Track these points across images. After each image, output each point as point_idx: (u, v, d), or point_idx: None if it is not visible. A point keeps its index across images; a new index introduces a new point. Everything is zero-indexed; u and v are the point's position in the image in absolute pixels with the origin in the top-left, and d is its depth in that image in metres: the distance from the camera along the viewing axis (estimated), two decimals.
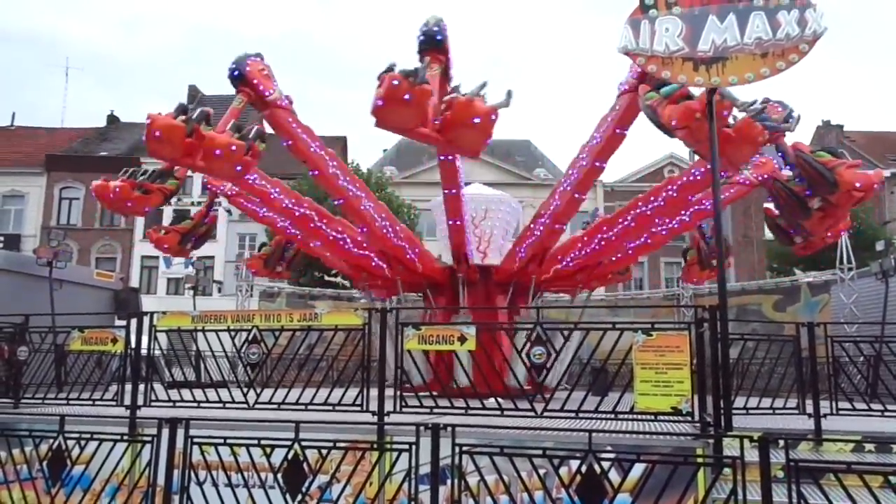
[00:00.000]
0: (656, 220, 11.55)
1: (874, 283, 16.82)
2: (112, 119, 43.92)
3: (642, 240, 12.39)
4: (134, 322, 7.24)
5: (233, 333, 7.08)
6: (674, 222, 12.11)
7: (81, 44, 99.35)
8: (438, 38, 9.09)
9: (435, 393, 6.52)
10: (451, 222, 11.40)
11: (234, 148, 8.48)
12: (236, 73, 9.65)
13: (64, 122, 45.86)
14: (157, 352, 7.55)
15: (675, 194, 10.85)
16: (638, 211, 11.18)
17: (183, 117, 8.41)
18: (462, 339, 6.23)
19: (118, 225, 37.09)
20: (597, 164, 10.65)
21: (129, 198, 10.19)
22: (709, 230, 13.22)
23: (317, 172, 10.67)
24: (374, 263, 12.46)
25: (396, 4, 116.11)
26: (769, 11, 6.09)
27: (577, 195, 11.04)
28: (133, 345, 7.30)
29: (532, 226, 11.79)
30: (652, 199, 11.03)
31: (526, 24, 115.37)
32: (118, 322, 12.44)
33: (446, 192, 10.88)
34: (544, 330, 6.56)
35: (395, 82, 7.34)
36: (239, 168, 8.77)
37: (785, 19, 6.06)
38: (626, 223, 11.37)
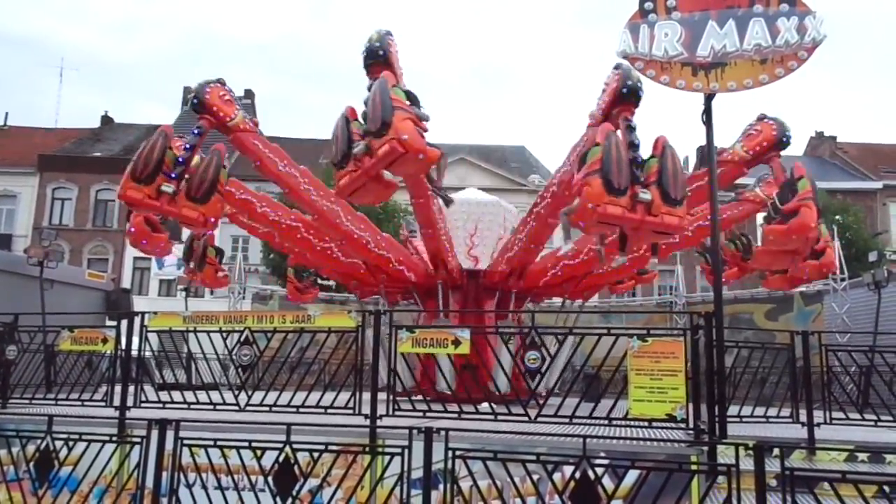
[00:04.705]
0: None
1: (866, 293, 16.91)
2: (106, 120, 43.66)
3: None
4: (125, 322, 7.18)
5: (224, 335, 7.02)
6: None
7: (76, 45, 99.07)
8: (381, 53, 8.84)
9: (429, 397, 6.47)
10: (424, 230, 11.26)
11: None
12: (196, 101, 9.40)
13: (58, 122, 45.34)
14: (148, 353, 7.50)
15: None
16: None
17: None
18: (456, 343, 6.20)
19: (110, 226, 36.90)
20: (566, 193, 10.30)
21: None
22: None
23: (288, 190, 10.56)
24: (362, 271, 12.42)
25: (389, 8, 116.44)
26: (768, 18, 6.10)
27: (550, 220, 10.75)
28: (123, 345, 7.24)
29: (512, 239, 11.66)
30: None
31: (521, 30, 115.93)
32: (109, 322, 12.37)
33: (415, 201, 10.67)
34: (539, 334, 6.52)
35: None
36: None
37: (784, 26, 6.07)
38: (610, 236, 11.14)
